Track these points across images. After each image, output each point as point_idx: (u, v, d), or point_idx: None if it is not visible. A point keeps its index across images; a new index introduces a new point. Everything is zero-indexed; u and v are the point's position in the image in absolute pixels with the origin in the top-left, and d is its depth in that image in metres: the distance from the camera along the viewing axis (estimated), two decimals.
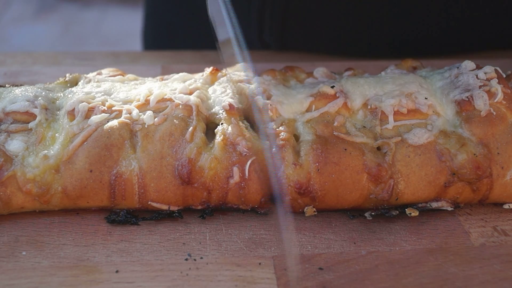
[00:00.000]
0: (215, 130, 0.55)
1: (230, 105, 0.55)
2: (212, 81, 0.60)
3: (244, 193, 0.53)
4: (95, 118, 0.53)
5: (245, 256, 0.50)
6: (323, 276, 0.48)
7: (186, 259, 0.49)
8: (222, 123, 0.55)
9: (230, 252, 0.50)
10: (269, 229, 0.53)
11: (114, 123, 0.53)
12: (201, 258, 0.50)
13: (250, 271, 0.48)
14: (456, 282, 0.48)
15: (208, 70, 0.61)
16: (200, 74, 0.61)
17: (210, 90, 0.59)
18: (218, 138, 0.53)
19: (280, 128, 0.54)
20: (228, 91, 0.58)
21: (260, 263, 0.49)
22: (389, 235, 0.53)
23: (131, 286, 0.47)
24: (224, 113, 0.55)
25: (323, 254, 0.50)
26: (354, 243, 0.52)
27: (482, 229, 0.53)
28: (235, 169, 0.53)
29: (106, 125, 0.53)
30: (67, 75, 0.61)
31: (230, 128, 0.54)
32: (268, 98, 0.57)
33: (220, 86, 0.59)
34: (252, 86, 0.56)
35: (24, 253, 0.50)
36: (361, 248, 0.51)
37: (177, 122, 0.54)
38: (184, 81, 0.60)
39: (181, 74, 0.61)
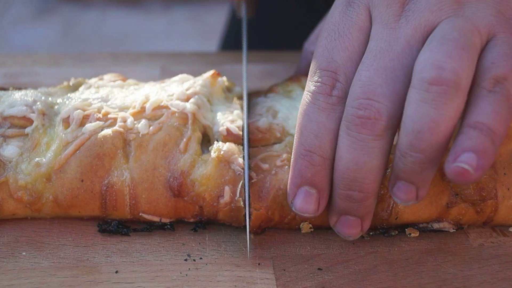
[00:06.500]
0: (209, 148, 0.53)
1: (228, 130, 0.54)
2: (211, 84, 0.58)
3: (235, 214, 0.51)
4: (89, 126, 0.52)
5: (244, 257, 0.50)
6: (322, 276, 0.48)
7: (186, 260, 0.49)
8: (218, 140, 0.53)
9: (229, 253, 0.50)
10: (268, 229, 0.53)
11: (107, 132, 0.52)
12: (201, 258, 0.50)
13: (249, 272, 0.48)
14: (455, 282, 0.48)
15: (209, 73, 0.59)
16: (200, 76, 0.60)
17: (216, 105, 0.57)
18: (213, 154, 0.52)
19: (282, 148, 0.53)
20: (236, 111, 0.56)
21: (259, 264, 0.49)
22: (388, 236, 0.53)
23: (130, 287, 0.47)
24: (221, 136, 0.54)
25: (322, 254, 0.50)
26: (353, 243, 0.52)
27: (481, 230, 0.54)
28: (227, 188, 0.51)
29: (99, 134, 0.52)
30: (72, 79, 0.60)
31: (226, 146, 0.52)
32: (274, 116, 0.56)
33: (225, 106, 0.57)
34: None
35: (24, 253, 0.50)
36: (360, 248, 0.51)
37: (172, 131, 0.52)
38: (183, 83, 0.58)
39: (180, 76, 0.60)
